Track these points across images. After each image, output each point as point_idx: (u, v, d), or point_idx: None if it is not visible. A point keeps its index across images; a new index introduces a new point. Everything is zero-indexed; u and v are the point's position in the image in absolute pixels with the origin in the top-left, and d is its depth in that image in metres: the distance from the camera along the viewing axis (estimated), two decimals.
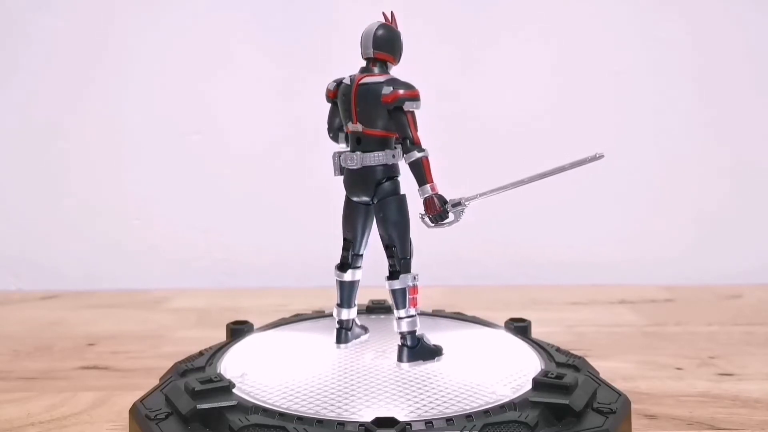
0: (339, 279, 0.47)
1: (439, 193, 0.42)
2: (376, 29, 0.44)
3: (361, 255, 0.47)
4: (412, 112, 0.42)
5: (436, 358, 0.43)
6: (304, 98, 0.82)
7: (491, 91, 0.84)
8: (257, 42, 0.85)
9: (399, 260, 0.43)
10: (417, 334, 0.43)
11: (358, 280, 0.47)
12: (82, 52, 0.85)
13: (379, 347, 0.46)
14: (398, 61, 0.45)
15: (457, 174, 0.83)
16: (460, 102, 0.84)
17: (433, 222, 0.42)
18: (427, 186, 0.42)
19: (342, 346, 0.47)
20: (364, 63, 0.45)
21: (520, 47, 0.85)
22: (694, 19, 0.83)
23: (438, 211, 0.41)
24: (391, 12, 0.45)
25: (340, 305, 0.47)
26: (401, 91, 0.42)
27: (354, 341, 0.47)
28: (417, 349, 0.43)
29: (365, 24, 0.45)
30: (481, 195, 0.42)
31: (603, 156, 0.40)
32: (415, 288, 0.43)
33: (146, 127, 0.86)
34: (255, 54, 0.85)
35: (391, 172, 0.44)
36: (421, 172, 0.42)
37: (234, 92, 0.85)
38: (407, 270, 0.43)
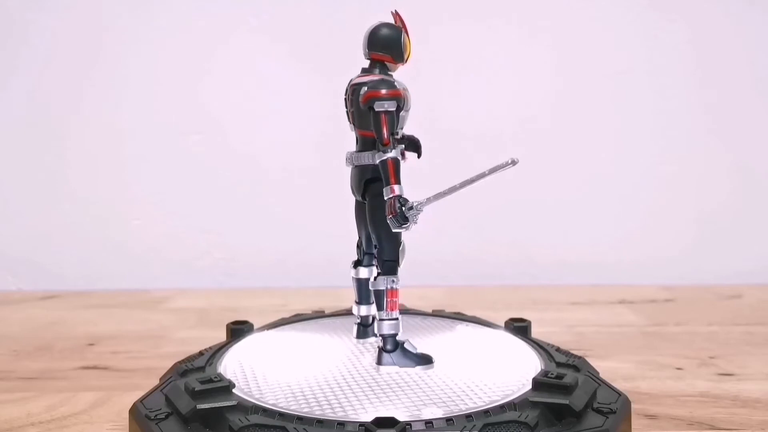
0: (354, 276, 0.47)
1: (401, 195, 0.41)
2: (373, 29, 0.44)
3: (374, 253, 0.46)
4: (386, 112, 0.42)
5: (416, 366, 0.42)
6: (306, 99, 0.83)
7: (490, 92, 0.84)
8: (259, 42, 0.85)
9: (383, 262, 0.43)
10: (399, 338, 0.43)
11: (368, 278, 0.47)
12: (82, 52, 0.85)
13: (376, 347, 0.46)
14: (400, 61, 0.45)
15: (457, 176, 0.83)
16: (459, 103, 0.84)
17: (394, 225, 0.41)
18: (388, 188, 0.41)
19: (361, 341, 0.47)
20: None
21: (519, 48, 0.85)
22: (695, 20, 0.83)
23: (394, 213, 0.41)
24: (395, 11, 0.45)
25: (358, 302, 0.48)
26: (372, 91, 0.42)
27: (375, 338, 0.47)
28: (394, 354, 0.43)
29: (367, 21, 0.45)
30: (427, 201, 0.41)
31: (517, 162, 0.39)
32: (393, 291, 0.43)
33: (146, 127, 0.86)
34: (256, 54, 0.85)
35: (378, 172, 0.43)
36: (386, 172, 0.41)
37: (235, 92, 0.86)
38: (389, 272, 0.43)
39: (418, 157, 0.46)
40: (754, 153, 0.85)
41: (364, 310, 0.47)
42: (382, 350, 0.43)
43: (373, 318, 0.48)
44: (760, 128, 0.85)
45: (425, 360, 0.42)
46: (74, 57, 0.85)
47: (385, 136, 0.41)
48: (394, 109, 0.42)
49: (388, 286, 0.43)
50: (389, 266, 0.43)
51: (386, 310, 0.43)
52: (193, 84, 0.85)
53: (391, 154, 0.41)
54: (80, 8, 0.85)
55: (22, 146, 0.87)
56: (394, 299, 0.43)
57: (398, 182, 0.41)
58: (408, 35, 0.45)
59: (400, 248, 0.43)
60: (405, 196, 0.41)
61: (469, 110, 0.84)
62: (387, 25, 0.45)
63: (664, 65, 0.84)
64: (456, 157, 0.80)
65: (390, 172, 0.41)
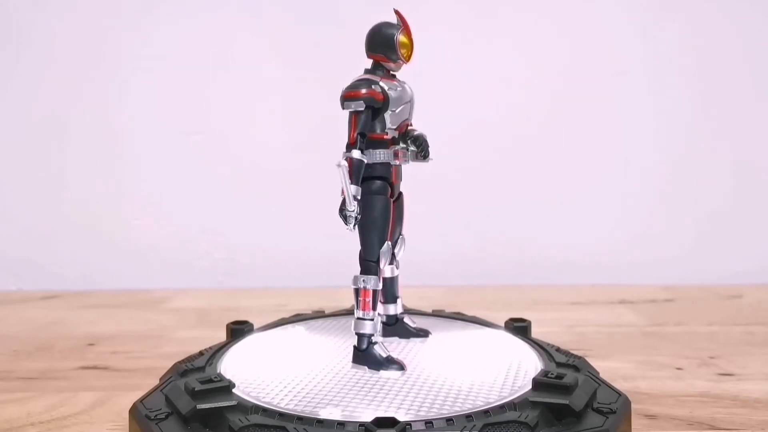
0: None
1: (353, 196, 0.42)
2: (369, 30, 0.45)
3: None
4: (355, 112, 0.42)
5: (382, 370, 0.41)
6: (306, 99, 0.83)
7: (490, 92, 0.84)
8: (259, 42, 0.85)
9: (362, 260, 0.43)
10: (374, 340, 0.43)
11: (390, 276, 0.47)
12: (82, 52, 0.85)
13: None
14: (395, 60, 0.44)
15: (456, 177, 0.83)
16: (459, 103, 0.84)
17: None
18: (342, 187, 0.42)
19: (386, 340, 0.47)
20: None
21: (519, 48, 0.85)
22: (695, 20, 0.83)
23: (340, 212, 0.42)
24: (394, 10, 0.45)
25: (383, 301, 0.48)
26: (344, 92, 0.42)
27: (397, 338, 0.47)
28: (363, 354, 0.43)
29: (369, 22, 0.45)
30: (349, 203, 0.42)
31: (342, 165, 0.41)
32: (366, 291, 0.43)
33: (147, 127, 0.86)
34: (256, 54, 0.85)
35: (367, 171, 0.44)
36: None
37: (235, 92, 0.86)
38: (365, 272, 0.43)
39: (424, 158, 0.45)
40: (754, 153, 0.85)
41: (389, 309, 0.48)
42: (356, 349, 0.43)
43: (396, 317, 0.48)
44: (760, 128, 0.85)
45: (394, 365, 0.42)
46: (75, 58, 0.85)
47: (351, 135, 0.42)
48: (361, 109, 0.42)
49: (361, 286, 0.43)
50: (366, 266, 0.43)
51: (359, 309, 0.43)
52: (194, 84, 0.85)
53: (354, 154, 0.42)
54: (81, 9, 0.85)
55: (23, 146, 0.87)
56: (367, 299, 0.43)
57: (353, 183, 0.42)
58: (407, 34, 0.44)
59: (382, 249, 0.43)
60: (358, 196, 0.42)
61: (469, 110, 0.84)
62: (382, 24, 0.45)
63: (664, 65, 0.84)
64: (456, 158, 0.81)
65: (348, 172, 0.42)
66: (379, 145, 0.44)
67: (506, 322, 0.52)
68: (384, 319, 0.48)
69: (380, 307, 0.48)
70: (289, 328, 0.52)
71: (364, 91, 0.42)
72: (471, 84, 0.84)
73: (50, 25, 0.85)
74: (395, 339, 0.47)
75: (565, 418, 0.35)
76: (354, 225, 0.42)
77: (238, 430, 0.34)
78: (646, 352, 0.58)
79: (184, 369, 0.42)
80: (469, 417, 0.35)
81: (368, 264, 0.43)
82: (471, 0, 0.84)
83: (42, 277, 0.88)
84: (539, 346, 0.46)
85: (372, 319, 0.43)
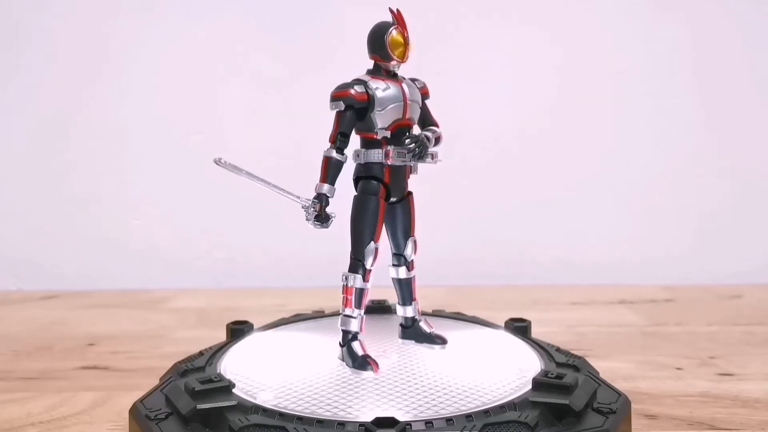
0: (393, 277, 0.48)
1: (321, 194, 0.43)
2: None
3: (400, 254, 0.47)
4: (336, 113, 0.43)
5: (353, 369, 0.42)
6: (306, 98, 0.83)
7: (489, 92, 0.84)
8: (259, 42, 0.85)
9: (350, 258, 0.44)
10: (359, 337, 0.43)
11: (404, 278, 0.47)
12: (82, 53, 0.85)
13: (378, 347, 0.46)
14: (388, 59, 0.44)
15: (455, 177, 0.83)
16: (458, 104, 0.84)
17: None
18: (317, 184, 0.43)
19: (405, 342, 0.47)
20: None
21: (519, 48, 0.85)
22: (695, 20, 0.83)
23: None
24: (390, 8, 0.45)
25: (401, 303, 0.48)
26: (331, 93, 0.43)
27: (414, 342, 0.47)
28: (343, 350, 0.43)
29: (368, 22, 0.45)
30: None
31: (219, 161, 0.44)
32: (348, 288, 0.43)
33: (147, 127, 0.86)
34: (257, 54, 0.85)
35: (362, 171, 0.44)
36: (321, 169, 0.43)
37: (235, 92, 0.86)
38: (351, 269, 0.43)
39: (419, 159, 0.44)
40: (754, 153, 0.85)
41: (401, 310, 0.48)
42: (340, 345, 0.43)
43: (413, 319, 0.48)
44: (760, 128, 0.85)
45: (368, 365, 0.42)
46: (75, 58, 0.85)
47: (332, 134, 0.43)
48: (341, 109, 0.43)
49: (344, 283, 0.43)
50: (353, 264, 0.43)
51: (342, 306, 0.43)
52: (195, 84, 0.85)
53: (331, 154, 0.43)
54: (82, 9, 0.85)
55: (23, 146, 0.87)
56: (350, 296, 0.43)
57: (325, 181, 0.43)
58: (402, 32, 0.44)
59: (367, 248, 0.43)
60: (330, 196, 0.43)
61: (468, 110, 0.84)
62: (378, 25, 0.44)
63: (664, 65, 0.84)
64: (455, 158, 0.81)
65: (322, 169, 0.43)
66: (372, 145, 0.44)
67: (506, 322, 0.52)
68: (402, 321, 0.48)
69: (398, 309, 0.48)
70: (289, 328, 0.52)
71: (349, 91, 0.43)
72: (470, 84, 0.84)
73: (50, 25, 0.85)
74: (410, 342, 0.47)
75: (565, 418, 0.35)
76: (314, 222, 0.42)
77: (238, 430, 0.34)
78: (646, 352, 0.58)
79: (184, 369, 0.42)
80: (469, 417, 0.35)
81: (354, 262, 0.43)
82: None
83: (42, 277, 0.88)
84: (539, 346, 0.46)
85: (354, 317, 0.43)
